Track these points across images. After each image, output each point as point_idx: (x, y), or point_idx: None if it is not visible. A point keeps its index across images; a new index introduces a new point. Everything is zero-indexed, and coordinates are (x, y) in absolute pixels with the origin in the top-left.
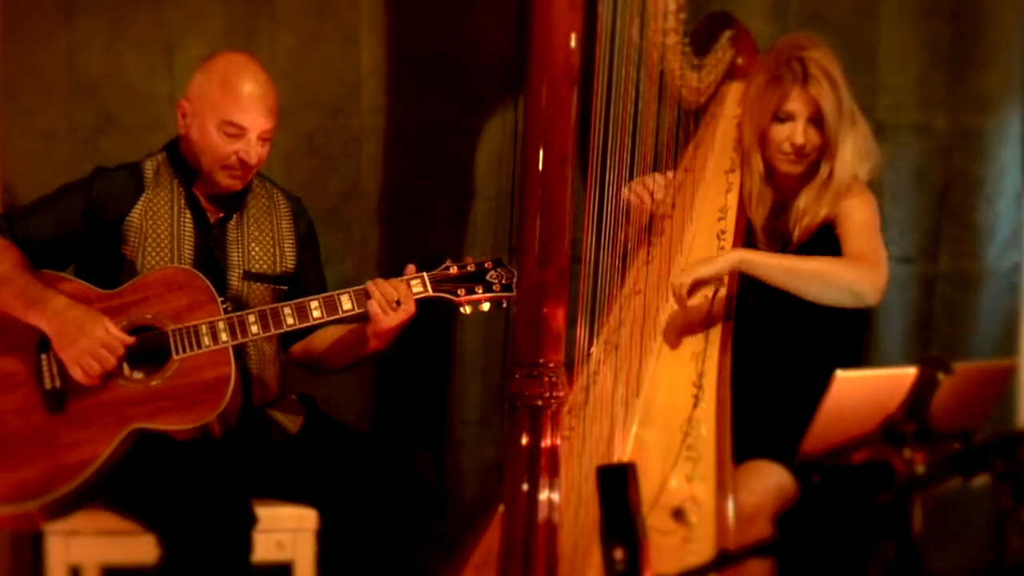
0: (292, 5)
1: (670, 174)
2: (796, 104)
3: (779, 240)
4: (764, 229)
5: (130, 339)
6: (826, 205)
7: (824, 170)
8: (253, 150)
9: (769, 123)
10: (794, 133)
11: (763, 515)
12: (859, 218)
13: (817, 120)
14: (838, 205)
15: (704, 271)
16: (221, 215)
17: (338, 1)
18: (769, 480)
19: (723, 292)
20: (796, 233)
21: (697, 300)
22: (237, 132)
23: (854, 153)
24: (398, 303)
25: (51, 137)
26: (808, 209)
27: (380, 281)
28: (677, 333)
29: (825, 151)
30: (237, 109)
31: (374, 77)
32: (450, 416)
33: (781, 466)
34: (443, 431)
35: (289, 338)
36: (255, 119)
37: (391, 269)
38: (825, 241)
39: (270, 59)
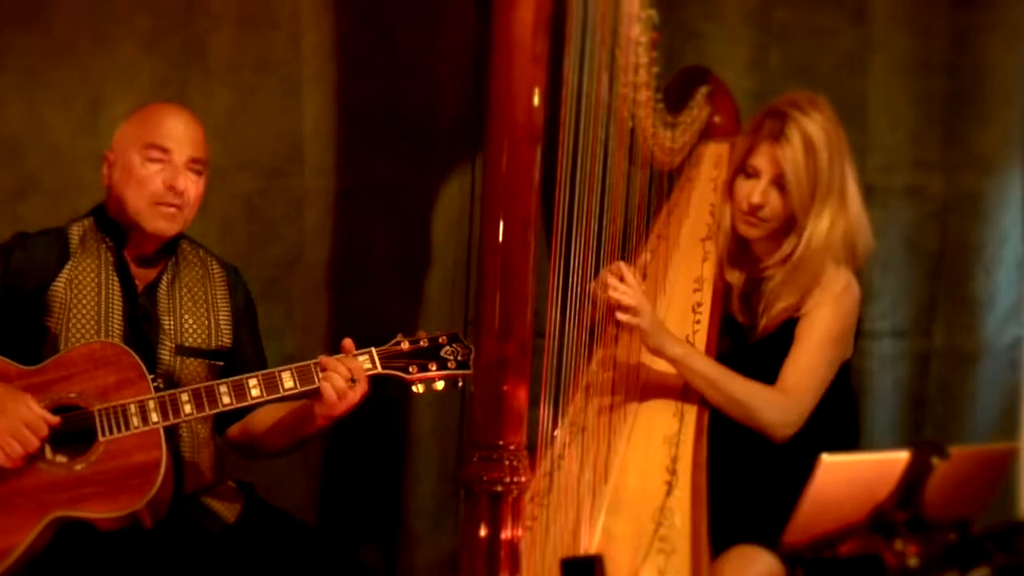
0: (228, 56)
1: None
2: (761, 160)
3: (750, 321)
4: (739, 301)
5: (55, 419)
6: (794, 291)
7: (787, 246)
8: (182, 177)
9: (735, 175)
10: (753, 191)
11: None
12: (818, 328)
13: (784, 185)
14: (809, 294)
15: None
16: (150, 281)
17: (278, 51)
18: (761, 567)
19: None
20: (762, 322)
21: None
22: (160, 156)
23: (832, 235)
24: (353, 380)
25: None
26: (777, 294)
27: (331, 358)
28: (649, 414)
29: (794, 224)
30: (158, 133)
31: (318, 135)
32: (402, 505)
33: (770, 552)
34: (395, 521)
35: (225, 419)
36: (179, 144)
37: (338, 344)
38: (788, 338)
39: (204, 115)
